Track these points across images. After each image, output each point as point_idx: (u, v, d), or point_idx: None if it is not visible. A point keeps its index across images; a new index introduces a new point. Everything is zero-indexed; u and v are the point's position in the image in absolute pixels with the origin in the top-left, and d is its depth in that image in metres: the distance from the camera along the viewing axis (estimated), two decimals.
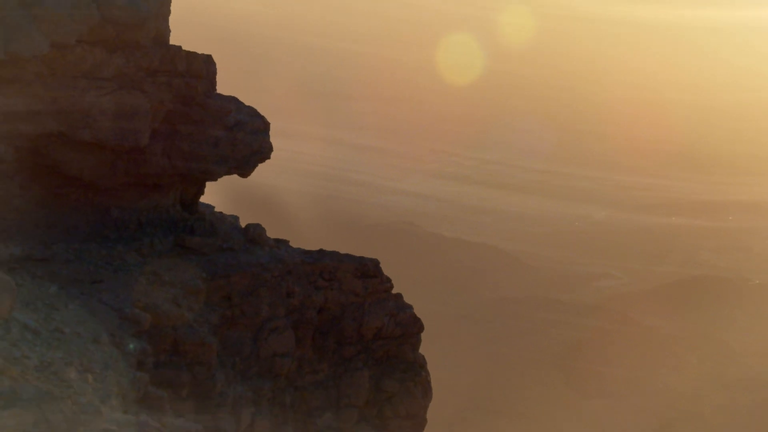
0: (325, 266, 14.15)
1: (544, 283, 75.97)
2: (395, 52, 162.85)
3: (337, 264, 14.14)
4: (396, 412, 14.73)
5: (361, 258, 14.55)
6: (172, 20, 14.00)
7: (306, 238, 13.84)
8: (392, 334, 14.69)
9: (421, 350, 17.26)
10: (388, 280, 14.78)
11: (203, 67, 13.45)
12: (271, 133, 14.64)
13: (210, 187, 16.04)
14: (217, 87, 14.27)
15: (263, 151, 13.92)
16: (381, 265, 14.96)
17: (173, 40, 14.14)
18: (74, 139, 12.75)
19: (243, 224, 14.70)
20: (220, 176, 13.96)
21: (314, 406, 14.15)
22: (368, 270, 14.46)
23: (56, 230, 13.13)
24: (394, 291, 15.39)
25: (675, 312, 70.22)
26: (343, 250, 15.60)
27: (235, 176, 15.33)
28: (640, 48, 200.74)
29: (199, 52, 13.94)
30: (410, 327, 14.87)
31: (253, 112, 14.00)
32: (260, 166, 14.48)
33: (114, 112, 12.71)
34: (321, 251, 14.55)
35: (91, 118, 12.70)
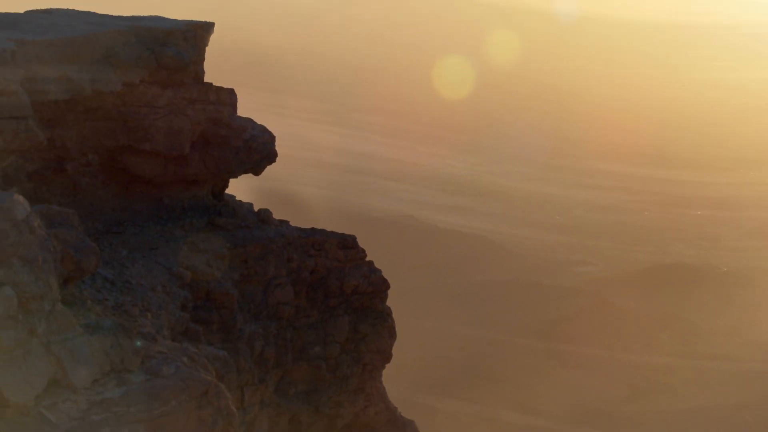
0: (315, 240, 15.98)
1: (528, 268, 75.97)
2: (397, 72, 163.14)
3: (325, 238, 16.00)
4: (369, 348, 16.46)
5: (342, 234, 16.32)
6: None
7: (321, 226, 15.33)
8: (366, 291, 16.40)
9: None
10: (363, 251, 16.50)
11: (228, 97, 15.60)
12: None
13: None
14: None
15: (271, 157, 16.16)
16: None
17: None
18: (138, 149, 14.90)
19: (256, 209, 16.51)
20: (239, 175, 16.08)
21: (307, 341, 15.97)
22: (348, 243, 16.30)
23: (126, 213, 15.15)
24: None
25: (648, 295, 69.59)
26: None
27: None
28: (615, 64, 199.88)
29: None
30: (380, 286, 16.57)
31: (263, 129, 16.19)
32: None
33: (165, 130, 14.87)
34: (313, 229, 16.32)
35: (150, 134, 14.86)
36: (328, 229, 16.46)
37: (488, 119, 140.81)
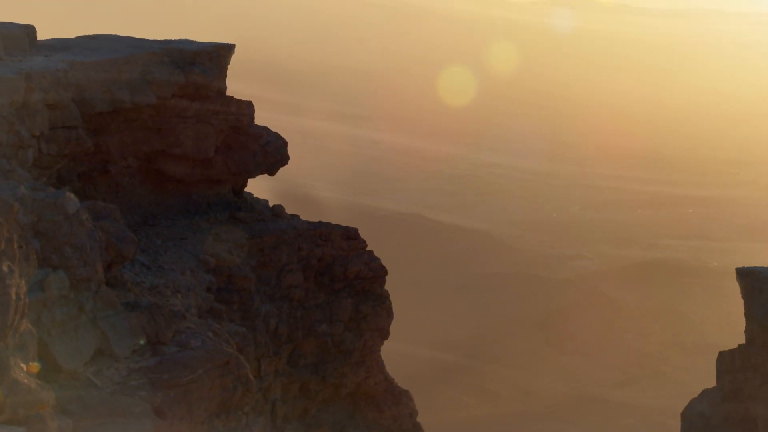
0: (322, 231, 16.88)
1: (527, 262, 74.98)
2: (404, 82, 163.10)
3: (331, 230, 16.91)
4: (369, 326, 17.25)
5: (346, 227, 17.20)
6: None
7: (335, 223, 15.93)
8: (366, 276, 17.22)
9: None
10: (364, 241, 17.31)
11: (246, 108, 16.70)
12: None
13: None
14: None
15: (284, 160, 17.21)
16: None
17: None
18: (170, 153, 16.00)
19: (270, 205, 17.57)
20: (256, 175, 17.12)
21: (315, 319, 16.80)
22: (351, 234, 17.17)
23: (159, 208, 16.19)
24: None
25: (640, 288, 68.27)
26: (362, 234, 17.70)
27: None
28: (609, 73, 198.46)
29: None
30: (379, 272, 17.38)
31: (277, 135, 17.25)
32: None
33: (193, 137, 15.99)
34: (320, 222, 17.22)
35: (180, 140, 15.98)
36: (341, 224, 17.31)
37: (489, 124, 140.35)
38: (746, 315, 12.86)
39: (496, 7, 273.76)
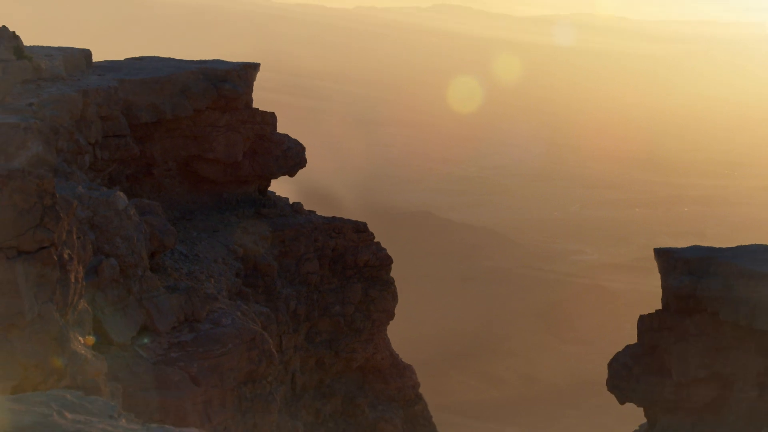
0: (335, 225, 17.55)
1: (530, 257, 74.89)
2: (416, 91, 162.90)
3: (343, 224, 17.57)
4: (376, 308, 17.83)
5: (356, 221, 17.81)
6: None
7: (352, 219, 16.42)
8: (374, 264, 17.83)
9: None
10: (372, 234, 17.85)
11: (270, 118, 17.52)
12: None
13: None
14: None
15: (302, 163, 18.01)
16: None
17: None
18: (205, 158, 16.84)
19: (291, 202, 18.26)
20: (278, 177, 17.89)
21: (329, 302, 17.44)
22: (360, 228, 17.81)
23: (196, 204, 16.92)
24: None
25: (637, 281, 67.10)
26: (377, 232, 18.10)
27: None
28: (607, 79, 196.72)
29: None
30: (385, 261, 18.00)
31: (296, 142, 18.05)
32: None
33: (224, 143, 16.83)
34: (334, 217, 17.90)
35: (213, 146, 16.81)
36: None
37: (494, 129, 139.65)
38: (662, 286, 14.00)
39: (502, 22, 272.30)
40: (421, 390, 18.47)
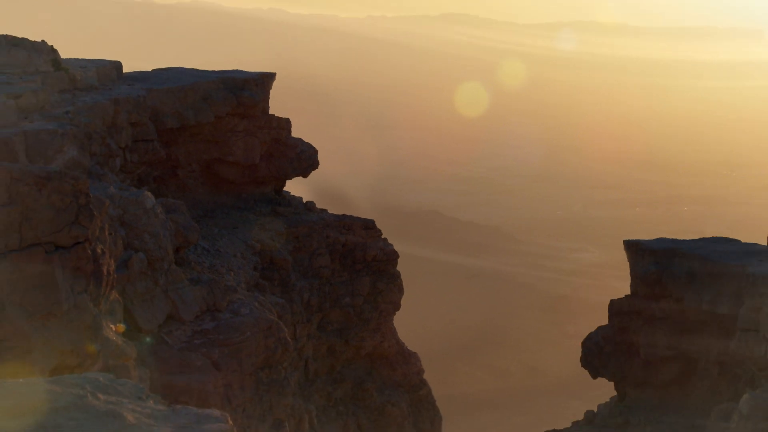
0: (345, 222, 17.88)
1: (533, 255, 74.39)
2: (424, 95, 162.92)
3: (352, 221, 17.90)
4: (384, 300, 18.11)
5: (365, 219, 18.12)
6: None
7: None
8: (381, 259, 18.10)
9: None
10: (380, 231, 18.13)
11: (285, 123, 17.90)
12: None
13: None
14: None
15: (314, 165, 18.35)
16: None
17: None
18: (225, 160, 17.23)
19: (304, 201, 18.62)
20: (293, 178, 18.23)
21: (340, 294, 17.73)
22: (369, 225, 18.13)
23: (217, 203, 17.28)
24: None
25: None
26: (386, 231, 18.50)
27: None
28: (609, 84, 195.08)
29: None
30: (391, 255, 18.25)
31: (309, 146, 18.43)
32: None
33: (243, 147, 17.22)
34: (344, 215, 18.18)
35: (232, 150, 17.20)
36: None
37: (499, 132, 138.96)
38: (631, 274, 14.69)
39: (506, 28, 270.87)
40: (429, 381, 18.67)
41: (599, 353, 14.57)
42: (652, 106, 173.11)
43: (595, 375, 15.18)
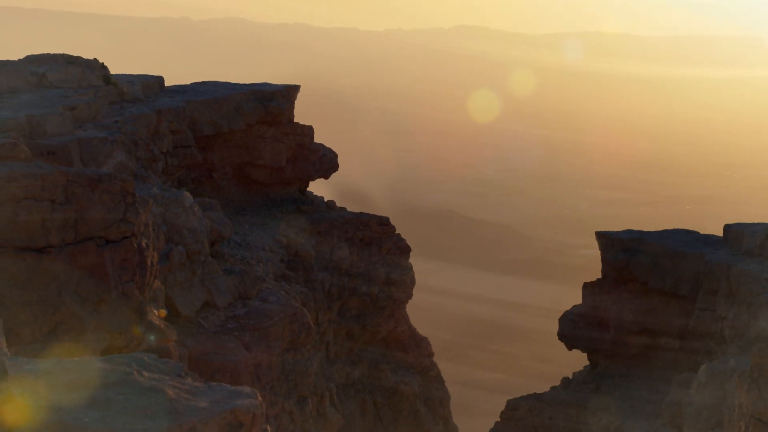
0: (363, 219, 18.14)
1: (542, 250, 73.90)
2: (439, 103, 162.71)
3: (369, 218, 18.17)
4: (397, 289, 18.28)
5: (380, 216, 18.36)
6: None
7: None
8: (395, 252, 18.40)
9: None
10: (393, 227, 18.37)
11: (308, 131, 18.28)
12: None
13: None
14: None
15: (335, 168, 18.70)
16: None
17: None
18: (255, 164, 17.64)
19: (326, 200, 18.93)
20: (315, 179, 18.58)
21: (357, 284, 17.94)
22: (384, 221, 18.37)
23: (247, 202, 17.67)
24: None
25: None
26: (405, 229, 18.78)
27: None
28: (614, 90, 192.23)
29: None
30: (404, 249, 18.55)
31: (330, 150, 18.78)
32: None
33: (271, 152, 17.64)
34: (361, 212, 18.41)
35: (261, 155, 17.60)
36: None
37: (510, 136, 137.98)
38: (602, 261, 15.23)
39: (516, 39, 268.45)
40: (445, 367, 18.98)
41: (574, 328, 15.06)
42: (655, 110, 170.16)
43: (570, 347, 15.81)
